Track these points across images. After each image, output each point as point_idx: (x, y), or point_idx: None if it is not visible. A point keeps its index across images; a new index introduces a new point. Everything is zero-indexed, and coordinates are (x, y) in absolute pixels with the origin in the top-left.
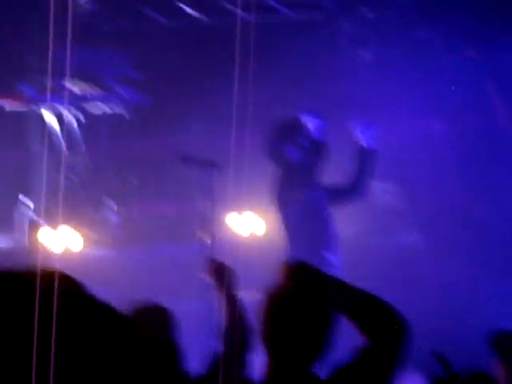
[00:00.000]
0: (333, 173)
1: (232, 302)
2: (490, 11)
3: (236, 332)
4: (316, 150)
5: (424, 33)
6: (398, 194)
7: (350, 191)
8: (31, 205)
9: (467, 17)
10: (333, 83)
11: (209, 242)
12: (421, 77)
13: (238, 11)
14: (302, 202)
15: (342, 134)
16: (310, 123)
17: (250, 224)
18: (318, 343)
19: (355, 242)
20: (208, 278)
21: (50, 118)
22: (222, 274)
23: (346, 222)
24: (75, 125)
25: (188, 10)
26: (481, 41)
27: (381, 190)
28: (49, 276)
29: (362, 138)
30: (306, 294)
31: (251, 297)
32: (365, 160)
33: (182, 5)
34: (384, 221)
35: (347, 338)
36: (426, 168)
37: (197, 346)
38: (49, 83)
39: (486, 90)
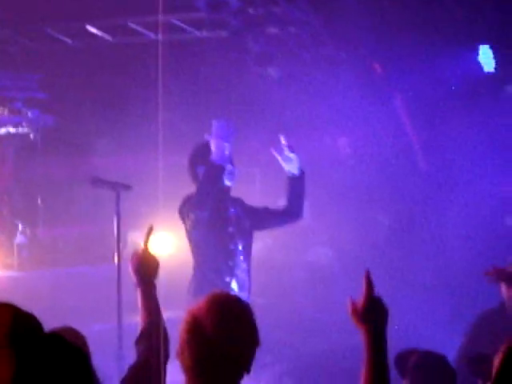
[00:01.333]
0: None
1: (152, 303)
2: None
3: (154, 339)
4: (225, 169)
5: (329, 49)
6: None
7: (288, 213)
8: None
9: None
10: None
11: (117, 262)
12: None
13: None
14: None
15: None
16: (220, 143)
17: (163, 243)
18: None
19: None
20: (132, 273)
21: None
22: (143, 267)
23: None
24: None
25: (93, 30)
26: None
27: None
28: None
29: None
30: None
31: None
32: (299, 181)
33: (87, 25)
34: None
35: None
36: (334, 184)
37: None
38: None
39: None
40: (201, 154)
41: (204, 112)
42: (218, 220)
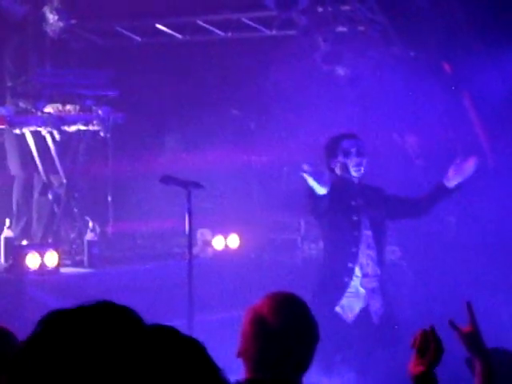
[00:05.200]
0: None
1: None
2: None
3: None
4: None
5: (398, 48)
6: None
7: (416, 206)
8: (9, 225)
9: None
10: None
11: (187, 258)
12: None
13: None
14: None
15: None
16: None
17: (225, 240)
18: None
19: None
20: None
21: (26, 139)
22: None
23: None
24: (51, 144)
25: (163, 28)
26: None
27: None
28: None
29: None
30: None
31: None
32: (446, 194)
33: (157, 24)
34: None
35: None
36: (402, 183)
37: None
38: (25, 104)
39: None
40: (330, 147)
41: (272, 112)
42: (342, 209)
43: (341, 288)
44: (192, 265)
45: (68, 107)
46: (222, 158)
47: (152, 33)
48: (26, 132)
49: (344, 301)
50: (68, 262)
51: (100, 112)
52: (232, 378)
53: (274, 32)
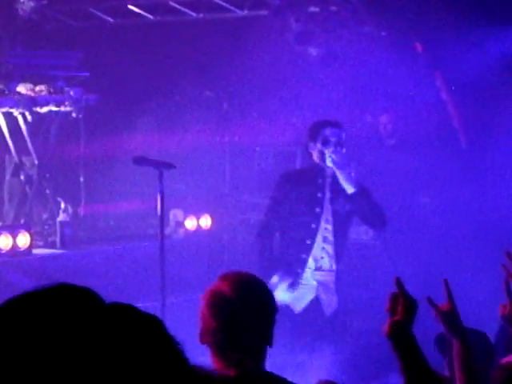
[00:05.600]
0: None
1: None
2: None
3: None
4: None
5: (370, 28)
6: None
7: (372, 227)
8: None
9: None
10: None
11: (160, 238)
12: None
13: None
14: None
15: None
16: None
17: (197, 221)
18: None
19: None
20: None
21: None
22: None
23: None
24: (23, 125)
25: (135, 8)
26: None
27: None
28: None
29: None
30: None
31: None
32: (360, 198)
33: (129, 4)
34: None
35: None
36: (375, 163)
37: None
38: None
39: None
40: (311, 132)
41: (245, 92)
42: (306, 199)
43: (293, 278)
44: (164, 245)
45: (40, 88)
46: (194, 139)
47: (124, 14)
48: None
49: (295, 292)
50: (40, 243)
51: (72, 93)
52: (202, 359)
53: (245, 12)
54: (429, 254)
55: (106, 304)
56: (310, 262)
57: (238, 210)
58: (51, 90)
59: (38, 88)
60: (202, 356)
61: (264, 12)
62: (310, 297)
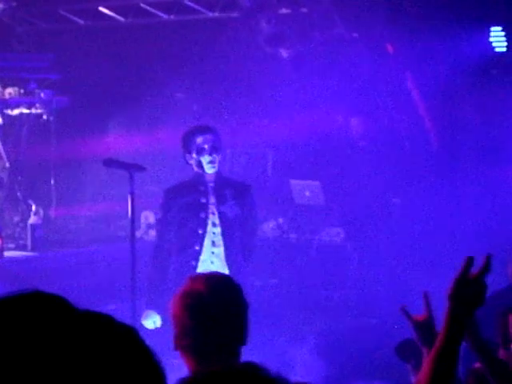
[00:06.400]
0: None
1: None
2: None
3: None
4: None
5: (341, 29)
6: None
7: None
8: None
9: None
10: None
11: (131, 240)
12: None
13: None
14: None
15: None
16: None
17: None
18: None
19: None
20: None
21: None
22: None
23: None
24: None
25: (106, 11)
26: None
27: None
28: None
29: None
30: None
31: None
32: None
33: (100, 7)
34: None
35: None
36: (346, 165)
37: None
38: None
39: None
40: (185, 143)
41: (215, 93)
42: (191, 207)
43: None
44: (135, 247)
45: (10, 90)
46: (165, 141)
47: (95, 16)
48: None
49: None
50: (12, 245)
51: (42, 95)
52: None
53: (216, 14)
54: (399, 255)
55: (78, 311)
56: (200, 268)
57: None
58: (22, 92)
59: (8, 90)
60: (175, 359)
61: (235, 14)
62: None
